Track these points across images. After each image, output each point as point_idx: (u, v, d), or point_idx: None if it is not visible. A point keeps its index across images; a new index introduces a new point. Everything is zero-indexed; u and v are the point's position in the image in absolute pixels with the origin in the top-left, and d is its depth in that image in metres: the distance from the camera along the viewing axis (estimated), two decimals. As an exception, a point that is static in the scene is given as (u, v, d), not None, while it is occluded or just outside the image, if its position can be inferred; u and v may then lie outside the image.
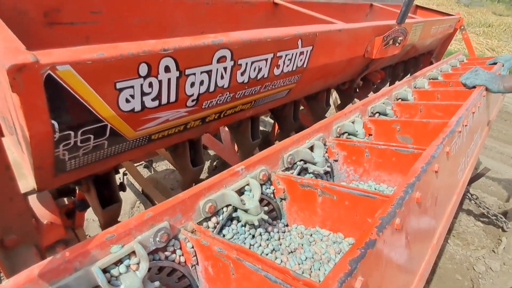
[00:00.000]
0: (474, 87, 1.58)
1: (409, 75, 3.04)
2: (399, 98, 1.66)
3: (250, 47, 0.80)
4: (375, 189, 1.01)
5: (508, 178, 3.30)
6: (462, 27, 2.85)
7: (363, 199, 0.71)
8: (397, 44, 1.55)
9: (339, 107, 2.05)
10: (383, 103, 1.47)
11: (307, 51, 1.03)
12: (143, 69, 0.60)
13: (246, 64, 0.83)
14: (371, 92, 2.43)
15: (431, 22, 2.10)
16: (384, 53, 1.52)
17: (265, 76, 0.92)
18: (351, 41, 1.28)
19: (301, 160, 0.97)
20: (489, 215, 2.59)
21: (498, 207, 2.82)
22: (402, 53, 2.07)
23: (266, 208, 0.84)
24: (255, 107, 1.09)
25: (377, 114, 1.44)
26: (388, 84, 2.73)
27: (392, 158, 0.98)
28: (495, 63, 2.18)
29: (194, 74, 0.70)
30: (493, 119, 1.93)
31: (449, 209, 1.00)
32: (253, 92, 0.96)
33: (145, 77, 0.61)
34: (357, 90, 1.99)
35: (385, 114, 1.44)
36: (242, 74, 0.83)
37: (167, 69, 0.64)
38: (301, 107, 2.11)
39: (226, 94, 0.85)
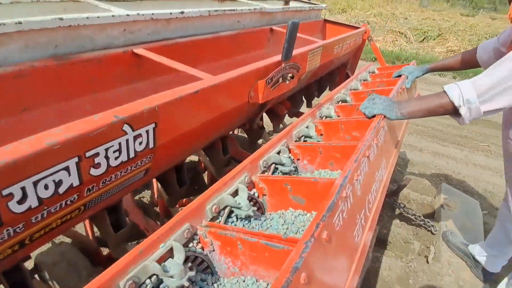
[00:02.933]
0: (374, 116, 1.50)
1: (328, 90, 3.00)
2: (302, 136, 1.53)
3: (21, 167, 0.56)
4: (254, 290, 0.83)
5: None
6: (370, 38, 2.88)
7: None
8: (287, 82, 1.41)
9: (249, 146, 1.88)
10: (279, 151, 1.32)
11: (148, 131, 0.82)
12: None
13: (24, 188, 0.58)
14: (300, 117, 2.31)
15: (331, 43, 2.03)
16: (274, 94, 1.37)
17: (75, 184, 0.68)
18: (223, 94, 1.10)
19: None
20: (417, 221, 2.63)
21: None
22: (305, 80, 1.97)
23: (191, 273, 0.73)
24: (95, 206, 0.85)
25: (273, 166, 1.28)
26: (305, 104, 2.65)
27: (265, 253, 0.81)
28: (400, 76, 2.17)
29: None
30: (402, 138, 1.90)
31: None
32: (71, 202, 0.72)
33: None
34: (264, 127, 1.84)
35: (282, 164, 1.29)
36: (20, 202, 0.59)
37: None
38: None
39: (19, 223, 0.60)
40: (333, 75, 2.88)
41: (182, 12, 1.39)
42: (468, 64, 1.86)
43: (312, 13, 2.78)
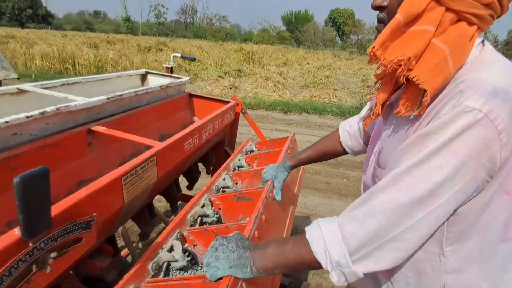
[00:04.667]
0: (221, 278, 0.96)
1: (207, 173, 2.50)
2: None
3: None
4: None
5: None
6: (243, 111, 2.53)
7: None
8: (48, 269, 0.79)
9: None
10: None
11: None
12: None
13: None
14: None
15: (179, 140, 1.52)
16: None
17: None
18: None
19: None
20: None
21: None
22: (135, 206, 1.38)
23: None
24: None
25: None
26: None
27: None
28: (267, 181, 1.52)
29: None
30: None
31: None
32: None
33: None
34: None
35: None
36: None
37: None
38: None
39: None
40: (207, 157, 2.40)
41: None
42: (335, 153, 1.44)
43: (170, 90, 2.30)
